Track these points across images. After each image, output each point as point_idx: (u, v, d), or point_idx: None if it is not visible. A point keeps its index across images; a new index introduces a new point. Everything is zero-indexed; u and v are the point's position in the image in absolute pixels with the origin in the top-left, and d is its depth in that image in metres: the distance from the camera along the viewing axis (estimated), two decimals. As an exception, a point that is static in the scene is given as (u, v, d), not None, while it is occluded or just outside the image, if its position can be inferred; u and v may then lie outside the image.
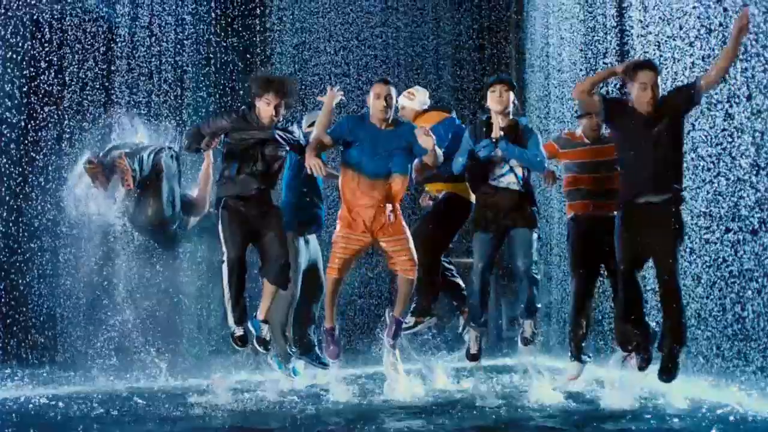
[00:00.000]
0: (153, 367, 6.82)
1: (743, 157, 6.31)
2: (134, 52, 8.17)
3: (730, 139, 6.37)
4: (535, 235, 5.68)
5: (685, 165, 5.45)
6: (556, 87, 8.74)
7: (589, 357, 6.13)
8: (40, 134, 7.75)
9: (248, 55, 8.96)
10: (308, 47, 9.22)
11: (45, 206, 7.68)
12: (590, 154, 5.98)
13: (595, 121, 5.88)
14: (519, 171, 5.68)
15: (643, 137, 5.07)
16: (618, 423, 4.86)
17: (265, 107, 5.40)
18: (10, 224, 7.57)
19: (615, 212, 5.42)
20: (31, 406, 5.51)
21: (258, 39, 8.97)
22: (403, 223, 5.58)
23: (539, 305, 5.90)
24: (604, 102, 5.26)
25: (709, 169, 6.57)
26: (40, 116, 7.77)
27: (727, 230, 6.43)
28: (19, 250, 7.63)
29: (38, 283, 7.69)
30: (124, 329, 7.32)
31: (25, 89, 7.70)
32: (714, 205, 6.55)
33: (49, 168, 7.72)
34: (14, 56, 7.55)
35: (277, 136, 5.48)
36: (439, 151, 5.47)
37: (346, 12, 9.37)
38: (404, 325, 5.76)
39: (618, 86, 7.15)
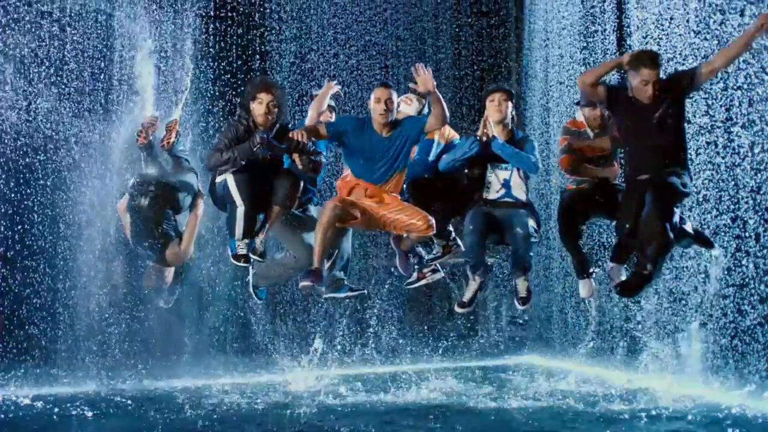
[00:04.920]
0: (151, 368, 6.81)
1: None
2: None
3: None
4: (533, 218, 5.50)
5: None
6: (555, 98, 8.73)
7: (596, 269, 5.80)
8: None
9: (247, 58, 8.97)
10: (307, 50, 9.24)
11: (45, 206, 7.68)
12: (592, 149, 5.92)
13: (598, 111, 5.82)
14: (518, 193, 5.53)
15: (644, 124, 5.09)
16: (617, 423, 4.86)
17: (258, 106, 5.45)
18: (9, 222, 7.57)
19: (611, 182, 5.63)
20: (21, 406, 5.49)
21: (257, 39, 8.99)
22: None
23: (531, 263, 5.52)
24: (607, 91, 5.26)
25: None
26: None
27: (737, 238, 6.44)
28: (19, 252, 7.63)
29: (36, 284, 7.68)
30: (119, 331, 7.32)
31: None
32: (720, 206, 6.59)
33: (50, 167, 7.70)
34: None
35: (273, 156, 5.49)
36: (445, 106, 5.29)
37: (346, 13, 9.39)
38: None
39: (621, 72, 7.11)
